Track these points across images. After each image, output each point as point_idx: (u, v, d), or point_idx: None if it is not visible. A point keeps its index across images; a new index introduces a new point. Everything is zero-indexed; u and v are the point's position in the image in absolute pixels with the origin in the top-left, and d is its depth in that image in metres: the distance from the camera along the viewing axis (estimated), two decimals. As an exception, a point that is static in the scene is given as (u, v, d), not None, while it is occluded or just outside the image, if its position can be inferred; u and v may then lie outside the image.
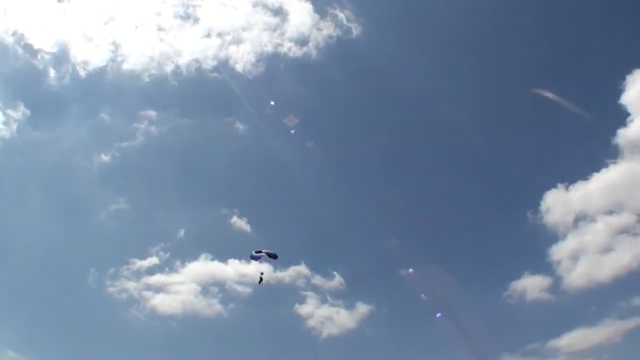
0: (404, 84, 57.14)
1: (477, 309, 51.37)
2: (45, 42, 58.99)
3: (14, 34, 58.44)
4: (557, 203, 52.24)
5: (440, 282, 52.91)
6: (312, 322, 51.31)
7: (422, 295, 50.13)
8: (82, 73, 59.32)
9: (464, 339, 44.92)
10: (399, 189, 59.94)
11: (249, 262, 51.16)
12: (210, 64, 58.70)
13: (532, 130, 60.03)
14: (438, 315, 47.75)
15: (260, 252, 33.54)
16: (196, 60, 58.74)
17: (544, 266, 51.00)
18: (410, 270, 52.31)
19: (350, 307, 51.92)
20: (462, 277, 53.99)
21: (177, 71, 59.56)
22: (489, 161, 58.46)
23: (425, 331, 51.96)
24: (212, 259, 53.36)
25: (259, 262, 35.29)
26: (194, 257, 53.71)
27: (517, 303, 50.50)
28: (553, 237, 51.65)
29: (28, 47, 58.81)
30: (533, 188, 54.56)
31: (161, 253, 53.37)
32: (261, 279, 35.93)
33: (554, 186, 52.87)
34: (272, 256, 33.70)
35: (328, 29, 58.72)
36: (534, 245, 53.55)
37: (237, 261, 52.68)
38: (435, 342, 50.55)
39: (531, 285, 50.68)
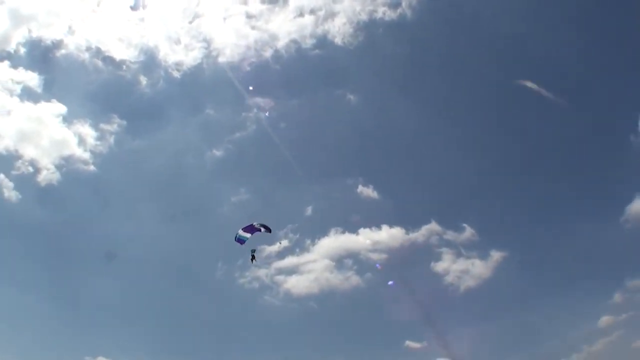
0: (503, 29, 57.34)
1: (598, 238, 52.26)
2: (127, 52, 58.70)
3: (88, 49, 58.09)
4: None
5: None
6: (449, 278, 51.95)
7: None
8: (177, 75, 59.12)
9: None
10: (509, 135, 59.91)
11: (379, 228, 51.68)
12: (309, 42, 58.59)
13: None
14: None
15: (251, 228, 29.20)
16: (294, 41, 58.61)
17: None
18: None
19: (484, 256, 52.59)
20: (579, 209, 55.10)
21: (277, 55, 59.37)
22: (581, 92, 58.85)
23: (557, 269, 53.08)
24: (343, 232, 53.61)
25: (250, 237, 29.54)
26: (324, 232, 53.89)
27: (635, 226, 51.61)
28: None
29: (109, 60, 58.53)
30: (628, 109, 55.48)
31: (290, 235, 53.45)
32: (253, 257, 31.08)
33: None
34: (267, 229, 29.96)
35: (417, -13, 58.76)
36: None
37: (368, 230, 52.99)
38: (566, 279, 51.76)
39: (645, 205, 51.69)
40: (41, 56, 58.47)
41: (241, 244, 29.13)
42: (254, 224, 29.24)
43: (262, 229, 29.08)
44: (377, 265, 52.45)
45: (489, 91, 60.63)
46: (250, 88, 58.74)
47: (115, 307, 53.43)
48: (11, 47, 56.01)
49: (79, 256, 55.23)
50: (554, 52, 57.59)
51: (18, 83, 55.38)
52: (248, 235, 28.93)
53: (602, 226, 52.62)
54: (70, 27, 58.70)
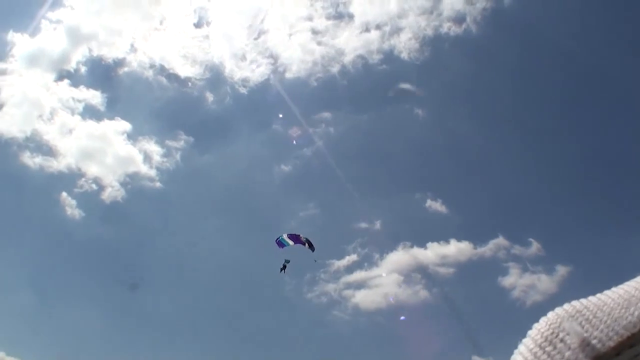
0: (569, 43, 58.36)
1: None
2: (192, 70, 59.53)
3: (152, 66, 58.96)
4: None
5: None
6: (515, 293, 52.29)
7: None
8: (243, 91, 59.92)
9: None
10: (574, 148, 60.29)
11: (448, 242, 52.21)
12: (375, 58, 59.81)
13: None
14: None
15: (297, 237, 27.76)
16: (361, 57, 59.80)
17: None
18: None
19: (550, 271, 52.90)
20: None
21: (344, 70, 60.44)
22: None
23: (621, 283, 53.54)
24: (411, 246, 54.06)
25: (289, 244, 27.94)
26: (393, 247, 54.19)
27: None
28: None
29: (173, 77, 59.38)
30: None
31: (359, 249, 53.77)
32: (285, 267, 28.74)
33: None
34: (311, 247, 28.32)
35: (480, 2, 60.05)
36: None
37: (436, 244, 53.37)
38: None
39: None
40: (103, 74, 58.72)
41: (280, 247, 27.92)
42: (301, 235, 28.35)
43: (306, 245, 28.24)
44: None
45: (554, 105, 61.84)
46: (317, 103, 59.89)
47: (181, 323, 53.91)
48: (71, 66, 56.19)
49: (144, 273, 55.64)
50: (628, 65, 58.64)
51: (79, 101, 55.36)
52: (291, 242, 27.92)
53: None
54: (132, 45, 59.38)
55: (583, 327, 1.01)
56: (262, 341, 53.11)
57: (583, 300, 1.09)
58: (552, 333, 1.03)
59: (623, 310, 1.02)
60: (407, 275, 52.65)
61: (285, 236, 27.74)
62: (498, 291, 51.85)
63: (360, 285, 52.78)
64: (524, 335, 1.12)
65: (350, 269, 52.41)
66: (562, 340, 1.00)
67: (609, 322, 0.99)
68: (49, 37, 55.76)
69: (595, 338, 0.98)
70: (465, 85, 62.02)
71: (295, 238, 27.86)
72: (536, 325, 1.09)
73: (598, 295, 1.10)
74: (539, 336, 1.06)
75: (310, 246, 28.03)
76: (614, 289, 1.11)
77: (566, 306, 1.08)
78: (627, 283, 1.11)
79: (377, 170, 61.60)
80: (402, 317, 49.95)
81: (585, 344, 0.97)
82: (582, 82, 59.61)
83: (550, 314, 1.09)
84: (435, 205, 54.93)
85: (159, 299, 53.63)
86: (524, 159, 60.58)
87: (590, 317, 1.02)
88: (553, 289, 51.79)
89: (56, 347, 49.68)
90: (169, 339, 52.47)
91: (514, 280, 51.88)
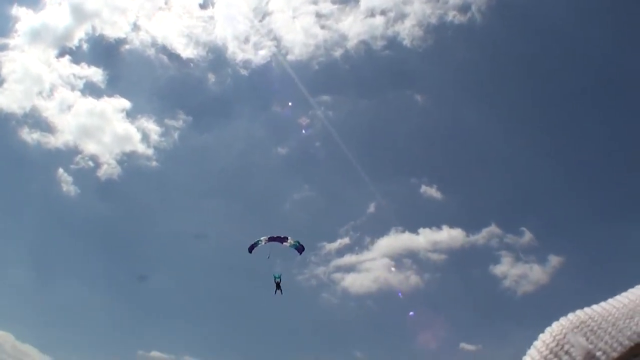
0: (572, 34, 57.92)
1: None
2: (194, 51, 59.47)
3: (154, 45, 58.80)
4: None
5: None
6: (507, 282, 52.21)
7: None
8: (245, 73, 59.79)
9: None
10: (570, 139, 59.94)
11: (440, 229, 52.03)
12: (379, 44, 59.82)
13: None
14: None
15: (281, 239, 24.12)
16: (364, 42, 59.79)
17: None
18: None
19: (542, 261, 52.70)
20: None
21: (346, 55, 60.42)
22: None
23: (615, 275, 53.24)
24: (403, 231, 54.05)
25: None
26: (385, 231, 54.21)
27: None
28: None
29: (175, 57, 59.31)
30: None
31: (351, 232, 53.84)
32: (278, 285, 25.72)
33: None
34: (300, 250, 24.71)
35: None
36: None
37: (428, 230, 53.21)
38: (626, 285, 51.96)
39: None
40: (105, 52, 58.23)
41: (250, 250, 24.33)
42: (289, 238, 24.25)
43: (292, 245, 24.40)
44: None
45: (553, 96, 61.48)
46: (317, 87, 59.90)
47: (172, 302, 54.36)
48: (73, 43, 55.75)
49: (138, 251, 56.21)
50: (631, 54, 58.02)
51: (80, 78, 54.74)
52: (262, 242, 23.84)
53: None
54: (135, 24, 59.07)
55: (587, 339, 0.98)
56: (250, 322, 53.53)
57: (587, 310, 1.08)
58: (557, 345, 1.01)
59: (628, 321, 1.00)
60: (398, 260, 52.58)
61: (262, 238, 24.13)
62: (489, 279, 51.77)
63: (350, 269, 52.76)
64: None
65: (341, 252, 52.38)
66: (567, 353, 0.98)
67: (613, 332, 0.98)
68: (53, 12, 55.01)
69: (599, 350, 0.96)
70: (466, 74, 61.85)
71: (277, 239, 24.44)
72: (541, 336, 1.07)
73: (602, 304, 1.09)
74: (543, 348, 1.03)
75: (300, 249, 24.89)
76: (618, 297, 1.10)
77: (570, 316, 1.07)
78: (632, 291, 1.11)
79: (374, 155, 61.60)
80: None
81: (589, 356, 0.96)
82: (583, 73, 59.21)
83: (555, 325, 1.07)
84: (430, 191, 54.70)
85: (152, 277, 53.86)
86: (521, 149, 60.37)
87: (595, 327, 1.00)
88: (545, 280, 51.67)
89: (48, 322, 50.14)
90: (159, 316, 53.75)
91: (506, 269, 51.72)
